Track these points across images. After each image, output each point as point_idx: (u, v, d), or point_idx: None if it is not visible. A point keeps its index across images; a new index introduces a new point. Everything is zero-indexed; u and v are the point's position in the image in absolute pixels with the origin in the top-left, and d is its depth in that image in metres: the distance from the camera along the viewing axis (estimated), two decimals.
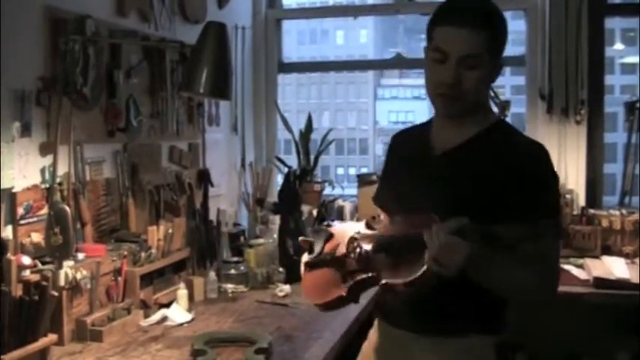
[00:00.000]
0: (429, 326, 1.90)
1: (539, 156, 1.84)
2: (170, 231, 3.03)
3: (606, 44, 4.27)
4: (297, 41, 26.69)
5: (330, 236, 2.03)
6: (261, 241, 3.68)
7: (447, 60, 1.79)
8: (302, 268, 2.07)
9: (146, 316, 2.77)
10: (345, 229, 2.02)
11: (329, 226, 2.11)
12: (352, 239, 1.93)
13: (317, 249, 2.03)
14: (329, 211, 4.24)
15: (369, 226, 1.99)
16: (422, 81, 1.92)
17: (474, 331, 1.89)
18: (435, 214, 1.71)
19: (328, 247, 2.02)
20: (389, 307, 2.03)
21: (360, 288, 1.92)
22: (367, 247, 1.89)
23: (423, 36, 1.93)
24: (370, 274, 1.86)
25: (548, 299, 1.90)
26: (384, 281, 1.79)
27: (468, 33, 1.76)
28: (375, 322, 2.14)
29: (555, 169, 1.88)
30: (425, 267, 1.66)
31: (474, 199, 1.79)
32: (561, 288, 3.28)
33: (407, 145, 2.10)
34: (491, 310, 1.89)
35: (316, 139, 4.46)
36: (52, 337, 2.32)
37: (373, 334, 2.14)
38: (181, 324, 2.75)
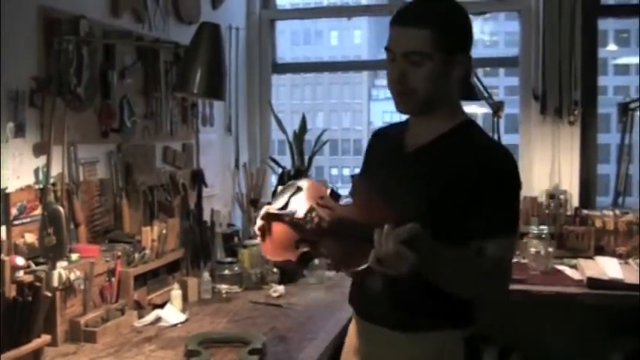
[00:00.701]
0: (399, 321, 1.94)
1: (504, 163, 1.88)
2: (164, 231, 3.03)
3: (599, 45, 4.27)
4: (291, 42, 26.65)
5: (298, 190, 2.03)
6: (255, 241, 3.66)
7: (395, 58, 1.87)
8: (260, 214, 2.05)
9: (140, 316, 2.77)
10: (313, 188, 2.02)
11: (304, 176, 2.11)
12: (312, 209, 1.93)
13: (282, 201, 2.02)
14: None
15: (333, 193, 1.99)
16: None
17: (443, 326, 1.92)
18: (401, 209, 1.73)
19: (294, 201, 2.01)
20: (361, 301, 2.09)
21: (309, 258, 1.96)
22: (324, 220, 1.89)
23: None
24: (319, 249, 1.90)
25: (498, 300, 1.96)
26: (328, 262, 1.82)
27: (408, 31, 1.84)
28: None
29: (518, 173, 1.91)
30: (366, 265, 1.68)
31: (438, 197, 1.84)
32: (555, 288, 3.34)
33: (384, 141, 2.16)
34: (460, 306, 1.93)
35: (310, 139, 4.45)
36: (46, 337, 2.32)
37: (351, 327, 2.18)
38: (175, 325, 2.75)
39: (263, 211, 2.04)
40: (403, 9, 1.89)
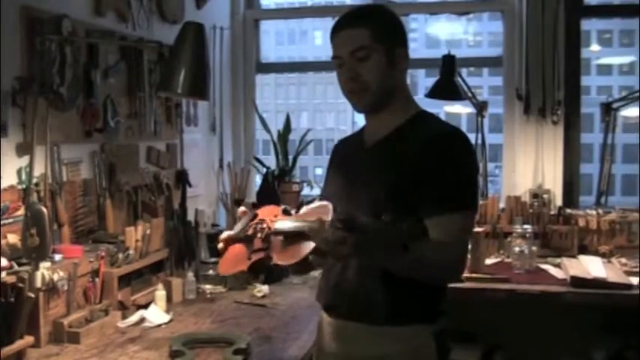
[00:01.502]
0: (365, 314, 1.98)
1: (454, 143, 1.96)
2: (148, 232, 3.02)
3: (582, 45, 4.29)
4: (275, 41, 26.44)
5: (254, 216, 2.12)
6: None
7: (343, 62, 2.00)
8: (220, 243, 2.13)
9: (124, 317, 2.76)
10: (267, 210, 2.11)
11: (255, 206, 2.22)
12: (261, 221, 2.05)
13: (239, 226, 2.11)
14: None
15: (285, 212, 2.06)
16: None
17: (412, 320, 1.96)
18: (361, 202, 1.89)
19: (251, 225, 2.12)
20: (328, 297, 2.14)
21: (259, 265, 2.04)
22: (270, 229, 2.00)
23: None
24: (267, 255, 1.98)
25: (451, 282, 2.02)
26: (274, 262, 1.95)
27: (348, 33, 2.00)
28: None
29: (473, 154, 2.01)
30: (305, 256, 1.82)
31: (395, 188, 1.92)
32: (539, 287, 3.35)
33: (345, 146, 2.28)
34: (428, 300, 1.98)
35: (295, 139, 4.45)
36: (29, 339, 2.31)
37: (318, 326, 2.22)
38: (159, 325, 2.74)
39: (223, 236, 2.12)
40: (339, 19, 2.04)
